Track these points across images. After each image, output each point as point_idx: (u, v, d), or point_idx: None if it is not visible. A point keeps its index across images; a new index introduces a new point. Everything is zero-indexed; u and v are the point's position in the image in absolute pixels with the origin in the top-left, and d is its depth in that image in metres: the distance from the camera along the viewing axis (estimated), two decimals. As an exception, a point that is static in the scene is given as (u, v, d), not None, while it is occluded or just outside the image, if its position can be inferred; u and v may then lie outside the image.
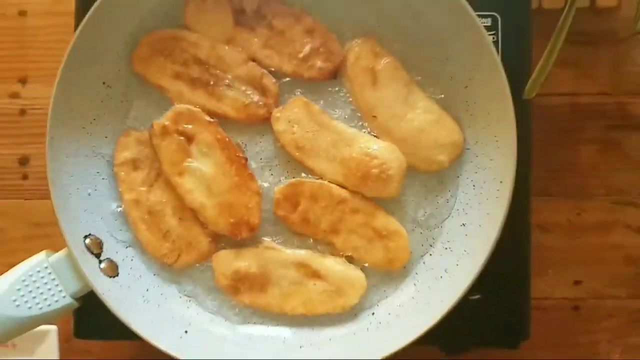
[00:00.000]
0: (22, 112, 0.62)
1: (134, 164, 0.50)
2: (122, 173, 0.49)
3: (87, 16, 0.44)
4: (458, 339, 0.54)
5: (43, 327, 0.60)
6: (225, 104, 0.49)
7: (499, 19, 0.52)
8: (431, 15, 0.47)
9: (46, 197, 0.56)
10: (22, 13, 0.62)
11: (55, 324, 0.60)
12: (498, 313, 0.52)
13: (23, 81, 0.62)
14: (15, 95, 0.62)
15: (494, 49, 0.45)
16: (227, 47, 0.49)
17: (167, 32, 0.49)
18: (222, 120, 0.50)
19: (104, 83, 0.48)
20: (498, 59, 0.45)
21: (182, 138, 0.49)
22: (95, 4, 0.44)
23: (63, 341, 0.60)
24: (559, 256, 0.60)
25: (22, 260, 0.57)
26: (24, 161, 0.62)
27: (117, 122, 0.50)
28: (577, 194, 0.61)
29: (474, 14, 0.45)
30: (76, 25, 0.50)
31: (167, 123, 0.48)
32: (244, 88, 0.49)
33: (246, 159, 0.49)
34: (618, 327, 0.61)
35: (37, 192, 0.62)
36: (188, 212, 0.49)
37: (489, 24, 0.52)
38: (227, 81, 0.50)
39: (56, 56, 0.60)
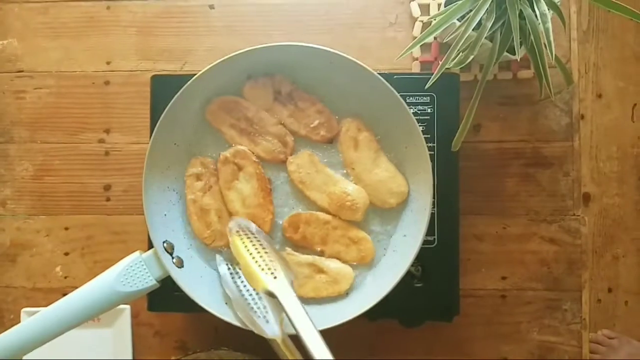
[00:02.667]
0: (107, 153, 0.72)
1: (197, 177, 0.59)
2: (189, 181, 0.59)
3: (165, 111, 0.54)
4: (411, 315, 0.64)
5: (120, 306, 0.65)
6: (260, 148, 0.60)
7: (435, 96, 0.63)
8: (382, 107, 0.58)
9: (122, 213, 0.72)
10: (107, 83, 0.72)
11: (130, 305, 0.70)
12: (437, 297, 0.62)
13: (107, 131, 0.72)
14: (101, 141, 0.72)
15: (418, 127, 0.55)
16: (266, 113, 0.60)
17: (230, 98, 0.60)
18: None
19: (175, 144, 0.59)
20: (420, 132, 0.55)
21: (235, 167, 0.59)
22: (170, 103, 0.55)
23: (133, 317, 0.71)
24: (490, 258, 0.70)
25: (106, 257, 0.71)
26: (107, 188, 0.72)
27: (181, 167, 0.59)
28: (503, 213, 0.70)
29: (405, 104, 0.55)
30: (152, 106, 0.62)
31: (228, 155, 0.59)
32: (273, 140, 0.60)
33: (271, 190, 0.59)
34: (535, 312, 0.70)
35: (116, 210, 0.72)
36: (225, 214, 0.59)
37: (427, 100, 0.62)
38: (263, 134, 0.60)
39: (131, 113, 0.73)
